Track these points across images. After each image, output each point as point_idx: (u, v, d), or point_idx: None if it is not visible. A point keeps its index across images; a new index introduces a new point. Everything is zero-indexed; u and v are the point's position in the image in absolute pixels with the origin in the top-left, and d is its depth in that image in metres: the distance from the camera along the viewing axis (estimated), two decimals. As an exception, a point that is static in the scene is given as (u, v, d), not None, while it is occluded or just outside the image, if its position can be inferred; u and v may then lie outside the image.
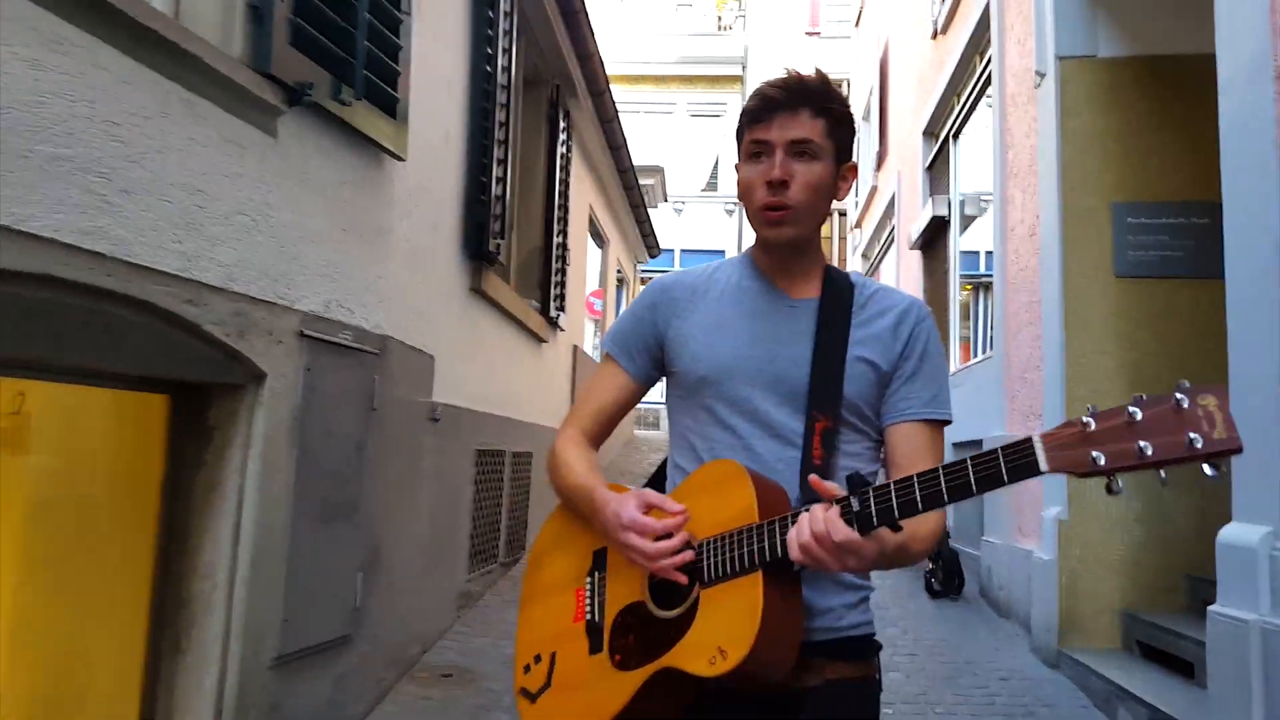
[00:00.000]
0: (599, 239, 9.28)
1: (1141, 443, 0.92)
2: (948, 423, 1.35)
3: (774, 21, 18.23)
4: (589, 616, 1.32)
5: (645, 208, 9.80)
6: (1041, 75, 4.43)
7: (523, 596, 1.46)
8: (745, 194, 1.35)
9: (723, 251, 18.03)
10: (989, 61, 5.72)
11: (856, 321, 1.35)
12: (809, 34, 17.99)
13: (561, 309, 6.51)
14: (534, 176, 6.03)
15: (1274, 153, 2.56)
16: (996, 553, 5.30)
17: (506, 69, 4.59)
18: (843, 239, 16.75)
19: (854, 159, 1.39)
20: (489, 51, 4.36)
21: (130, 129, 2.10)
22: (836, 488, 1.13)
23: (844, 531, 1.07)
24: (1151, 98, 4.23)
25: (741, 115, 1.36)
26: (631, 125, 8.56)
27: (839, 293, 1.37)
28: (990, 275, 6.11)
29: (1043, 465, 0.97)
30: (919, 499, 1.05)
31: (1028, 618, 4.63)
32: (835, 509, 1.10)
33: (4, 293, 1.83)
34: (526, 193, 5.93)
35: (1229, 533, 2.78)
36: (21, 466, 2.30)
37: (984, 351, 6.63)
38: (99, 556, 2.48)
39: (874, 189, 12.21)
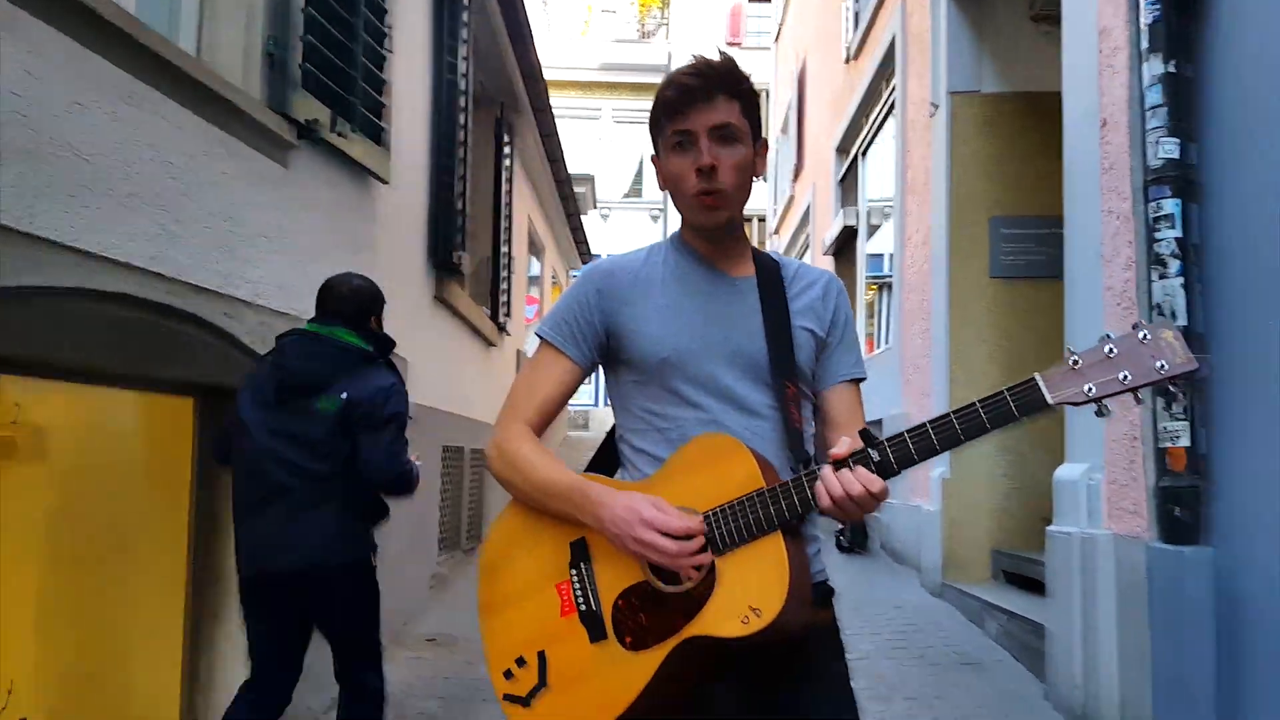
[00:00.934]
0: (535, 247, 9.70)
1: (1122, 372, 1.08)
2: (864, 379, 1.47)
3: (696, 31, 18.86)
4: (582, 607, 1.30)
5: (579, 216, 10.26)
6: (936, 106, 5.09)
7: (482, 605, 1.39)
8: (674, 183, 1.36)
9: (650, 255, 18.55)
10: (894, 89, 6.37)
11: (791, 294, 1.42)
12: (730, 44, 18.68)
13: (508, 315, 6.93)
14: (483, 190, 6.42)
15: (1097, 181, 3.23)
16: (895, 512, 6.06)
17: (465, 92, 4.99)
18: (762, 244, 17.49)
19: (764, 134, 1.41)
20: (450, 77, 4.76)
21: (182, 168, 2.47)
22: (852, 441, 1.20)
23: (880, 483, 1.16)
24: (1025, 128, 4.92)
25: (657, 107, 1.36)
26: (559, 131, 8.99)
27: (770, 269, 1.44)
28: (892, 276, 6.81)
29: (1049, 399, 1.10)
30: (935, 442, 1.14)
31: (919, 561, 5.42)
32: (848, 463, 1.18)
33: (95, 310, 2.19)
34: (478, 206, 6.32)
35: (1061, 471, 3.50)
36: (57, 468, 2.61)
37: (884, 344, 7.34)
38: (139, 543, 2.81)
39: (791, 198, 12.89)
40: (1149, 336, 1.07)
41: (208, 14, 2.78)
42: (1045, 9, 4.82)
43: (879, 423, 5.99)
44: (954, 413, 1.12)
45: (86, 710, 2.53)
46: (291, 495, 2.40)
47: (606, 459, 1.49)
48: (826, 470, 1.18)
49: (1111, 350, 1.08)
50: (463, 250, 4.92)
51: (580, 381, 1.43)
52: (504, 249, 6.70)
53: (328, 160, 3.27)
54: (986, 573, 4.96)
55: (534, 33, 6.19)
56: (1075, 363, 1.09)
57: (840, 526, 6.37)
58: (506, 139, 6.75)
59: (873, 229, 7.92)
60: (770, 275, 1.42)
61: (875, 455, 1.16)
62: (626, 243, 18.06)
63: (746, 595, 1.18)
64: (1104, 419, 1.12)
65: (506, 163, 6.78)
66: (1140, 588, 2.99)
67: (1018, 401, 1.09)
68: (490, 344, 6.49)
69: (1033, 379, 1.10)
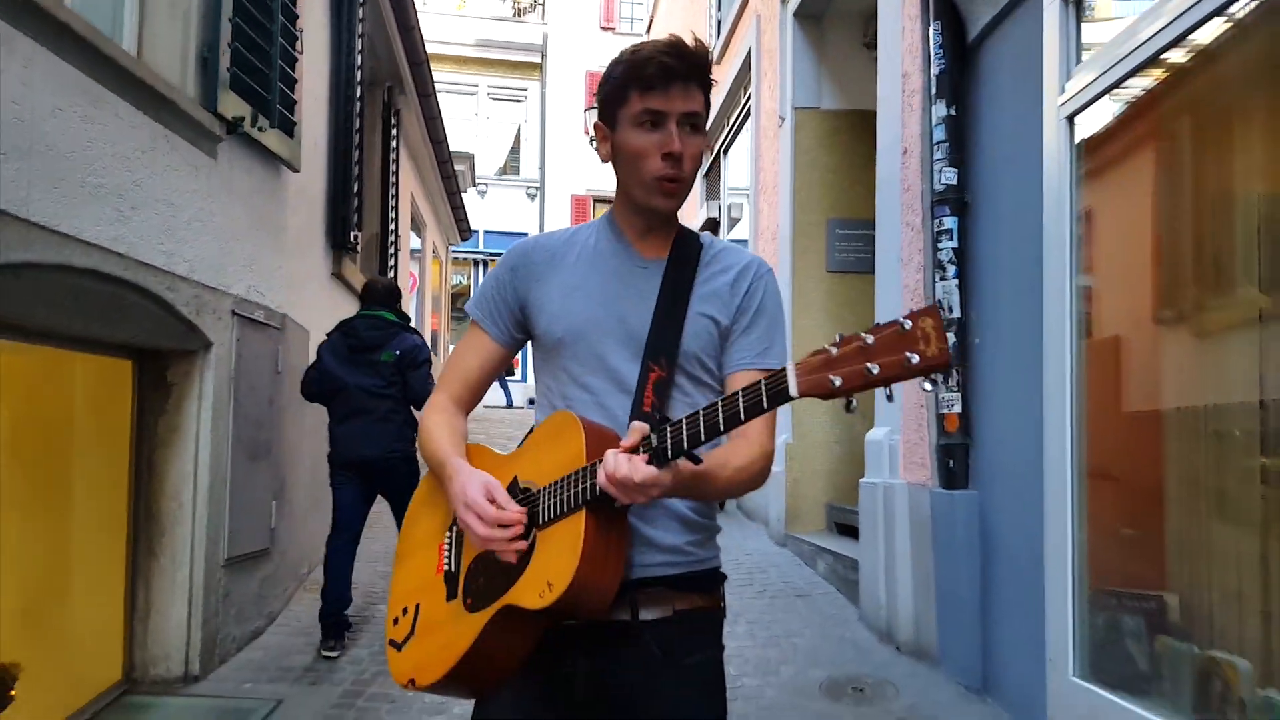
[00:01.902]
0: (418, 224, 9.98)
1: (869, 364, 0.99)
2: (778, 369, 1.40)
3: (571, 13, 19.21)
4: (448, 567, 1.38)
5: (459, 194, 10.59)
6: (783, 119, 5.82)
7: (397, 552, 1.51)
8: (633, 161, 1.33)
9: (525, 233, 18.92)
10: (750, 97, 7.10)
11: (701, 279, 1.39)
12: (604, 28, 19.15)
13: (394, 288, 7.29)
14: (373, 170, 6.74)
15: (899, 199, 4.02)
16: (746, 475, 6.87)
17: (360, 82, 5.35)
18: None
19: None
20: (347, 71, 5.12)
21: (134, 161, 2.85)
22: (642, 427, 1.18)
23: (642, 470, 1.12)
24: (857, 141, 5.67)
25: (624, 78, 1.32)
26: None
27: (688, 252, 1.41)
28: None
29: (793, 391, 1.04)
30: (702, 430, 1.11)
31: (766, 516, 6.24)
32: (639, 448, 1.16)
33: (69, 282, 2.57)
34: (368, 186, 6.64)
35: (870, 434, 4.33)
36: (9, 421, 2.93)
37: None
38: (82, 486, 3.16)
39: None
40: (909, 325, 0.99)
41: (147, 20, 3.12)
42: (874, 38, 5.64)
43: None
44: (721, 400, 1.12)
45: (39, 640, 2.87)
46: (370, 413, 3.87)
47: None
48: (609, 453, 1.16)
49: (868, 340, 1.01)
50: (358, 230, 5.30)
51: (504, 358, 1.46)
52: (391, 226, 7.05)
53: (248, 151, 3.65)
54: (821, 523, 5.77)
55: (418, 16, 6.55)
56: (830, 351, 1.03)
57: None
58: (394, 122, 7.08)
59: (733, 221, 8.70)
60: (685, 258, 1.41)
61: (654, 440, 1.15)
62: (502, 220, 18.41)
63: (546, 570, 1.22)
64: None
65: (394, 144, 7.11)
66: (926, 525, 3.80)
67: (770, 392, 1.07)
68: (378, 317, 6.85)
69: (784, 369, 1.06)
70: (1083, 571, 2.83)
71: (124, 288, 2.79)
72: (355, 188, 5.27)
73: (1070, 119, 2.87)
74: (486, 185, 18.44)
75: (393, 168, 7.04)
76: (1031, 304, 3.01)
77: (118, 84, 2.71)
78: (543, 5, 20.43)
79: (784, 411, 5.59)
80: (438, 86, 7.56)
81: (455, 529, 1.38)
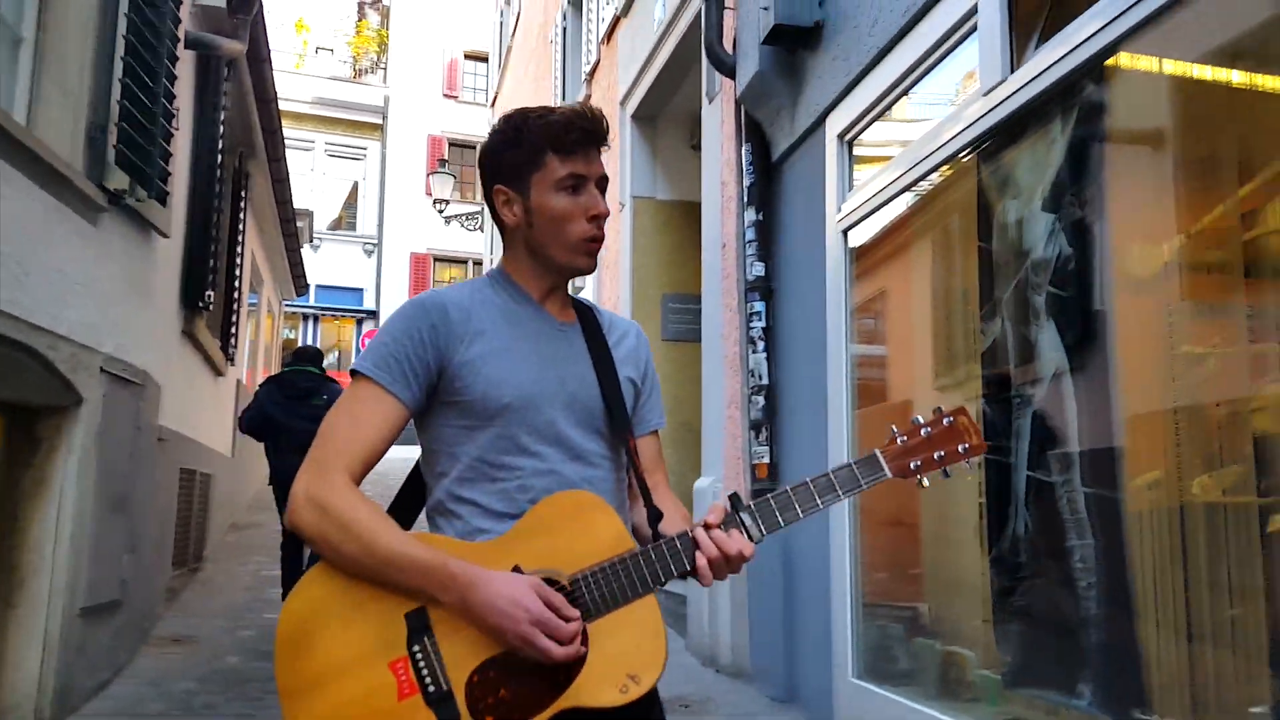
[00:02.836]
0: (256, 281, 9.95)
1: (937, 452, 1.26)
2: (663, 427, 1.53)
3: (413, 78, 19.59)
4: (430, 688, 1.18)
5: (299, 250, 10.64)
6: (623, 205, 6.53)
7: (285, 688, 1.21)
8: (557, 224, 1.31)
9: (361, 290, 18.79)
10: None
11: (612, 342, 1.42)
12: (447, 95, 19.65)
13: (235, 346, 7.34)
14: (223, 232, 6.85)
15: (720, 284, 4.74)
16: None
17: (221, 151, 5.57)
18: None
19: None
20: (209, 141, 5.34)
21: (28, 228, 3.06)
22: (723, 506, 1.26)
23: (751, 547, 1.22)
24: (686, 227, 6.46)
25: (545, 143, 1.30)
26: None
27: (589, 316, 1.43)
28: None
29: (887, 473, 1.26)
30: (799, 508, 1.23)
31: None
32: (735, 530, 1.23)
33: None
34: (219, 247, 6.74)
35: (697, 482, 4.92)
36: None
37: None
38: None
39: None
40: (952, 420, 1.28)
41: (41, 101, 3.34)
42: (700, 142, 6.47)
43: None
44: (812, 480, 1.23)
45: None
46: (307, 448, 4.81)
47: (409, 503, 1.39)
48: (702, 533, 1.22)
49: (927, 431, 1.27)
50: (212, 290, 5.47)
51: (405, 423, 1.30)
52: (235, 284, 7.14)
53: (125, 219, 3.86)
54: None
55: (276, 89, 6.80)
56: (903, 441, 1.27)
57: None
58: (244, 185, 7.24)
59: (578, 290, 9.34)
60: (591, 322, 1.42)
61: (746, 520, 1.23)
62: (337, 274, 18.26)
63: (624, 662, 1.16)
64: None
65: (242, 206, 7.25)
66: (740, 561, 4.45)
67: (863, 473, 1.25)
68: (219, 373, 6.90)
69: (875, 454, 1.26)
70: (859, 591, 3.51)
71: (15, 348, 2.97)
72: (213, 250, 5.45)
73: (845, 232, 3.65)
74: (321, 240, 18.27)
75: (240, 229, 7.17)
76: (819, 372, 3.74)
77: (19, 160, 2.94)
78: (384, 69, 20.70)
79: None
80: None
81: (428, 642, 1.19)
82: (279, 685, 1.22)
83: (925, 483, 1.26)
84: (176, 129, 4.24)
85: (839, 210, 3.68)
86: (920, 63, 3.16)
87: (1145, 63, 2.34)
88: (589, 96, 7.80)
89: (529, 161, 1.32)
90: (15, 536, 3.36)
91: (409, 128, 19.33)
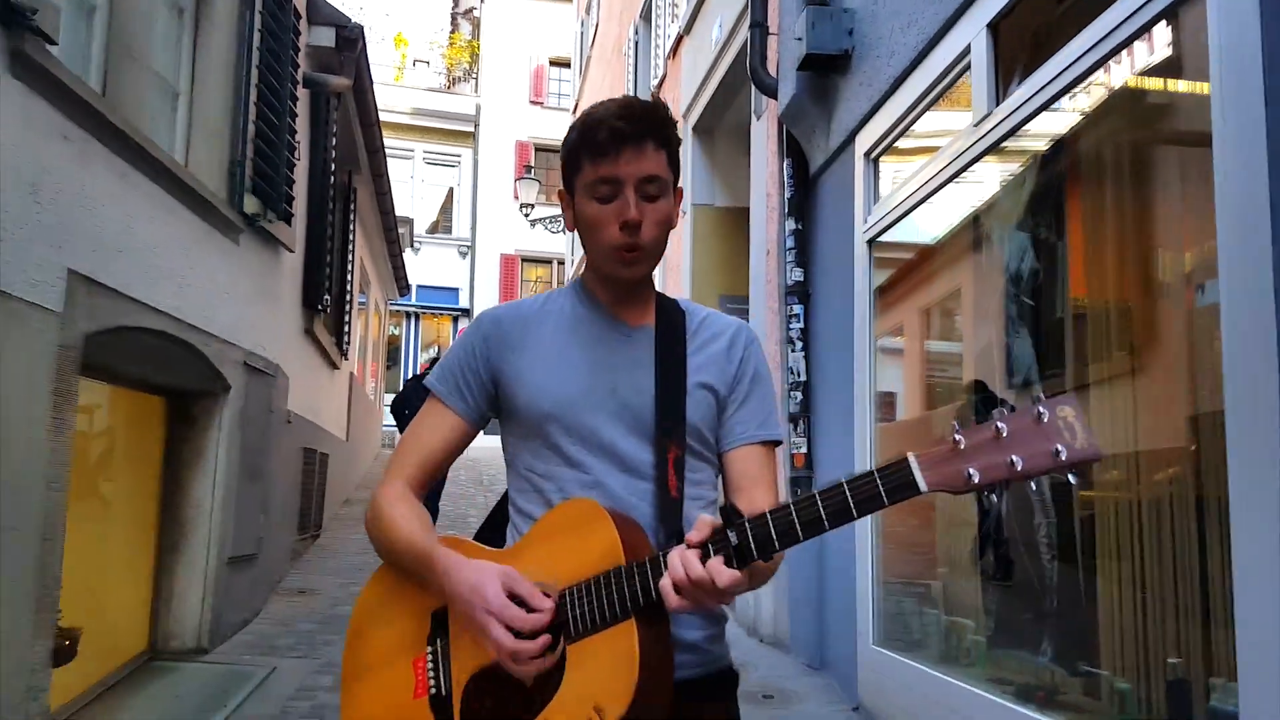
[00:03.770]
0: (364, 282, 10.92)
1: (1013, 456, 0.92)
2: (779, 442, 1.35)
3: (502, 86, 20.53)
4: (434, 690, 1.20)
5: (401, 255, 11.57)
6: (684, 212, 7.05)
7: (345, 674, 1.31)
8: (592, 230, 1.26)
9: (457, 290, 19.87)
10: (669, 185, 8.37)
11: (692, 347, 1.32)
12: (533, 102, 20.50)
13: (349, 342, 8.23)
14: (335, 242, 7.72)
15: (764, 288, 5.21)
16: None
17: (333, 172, 6.37)
18: (561, 283, 19.29)
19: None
20: (322, 164, 6.14)
21: (191, 249, 3.83)
22: (712, 521, 1.06)
23: (727, 575, 1.00)
24: (741, 232, 6.78)
25: (579, 145, 1.25)
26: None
27: (672, 319, 1.35)
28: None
29: (922, 485, 0.95)
30: (799, 525, 1.00)
31: None
32: (711, 556, 1.02)
33: (145, 340, 3.51)
34: (332, 255, 7.61)
35: None
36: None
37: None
38: (122, 498, 4.03)
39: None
40: (1047, 415, 0.92)
41: (193, 141, 4.12)
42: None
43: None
44: (820, 493, 1.00)
45: (91, 614, 3.69)
46: None
47: (496, 524, 1.40)
48: (675, 552, 1.05)
49: (1002, 430, 0.93)
50: (329, 294, 6.28)
51: (469, 436, 1.35)
52: (348, 288, 8.02)
53: (258, 237, 4.64)
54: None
55: (378, 113, 7.61)
56: (958, 442, 0.95)
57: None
58: (351, 199, 8.10)
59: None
60: (671, 325, 1.34)
61: (734, 538, 1.03)
62: (435, 274, 19.34)
63: (591, 692, 1.07)
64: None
65: (351, 217, 8.11)
66: (782, 537, 4.94)
67: (888, 485, 0.97)
68: (335, 366, 7.78)
69: (905, 459, 0.97)
70: (880, 569, 3.97)
71: (176, 344, 3.74)
72: (328, 260, 6.25)
73: (869, 242, 4.11)
74: (420, 244, 19.39)
75: (350, 238, 8.03)
76: (848, 370, 4.21)
77: (180, 195, 3.70)
78: (476, 78, 21.72)
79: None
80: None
81: (440, 643, 1.22)
82: (342, 669, 1.32)
83: (990, 501, 1.10)
84: (298, 159, 5.01)
85: (865, 222, 4.14)
86: (930, 90, 3.60)
87: (1105, 97, 2.74)
88: (659, 109, 8.37)
89: (572, 166, 1.28)
90: (179, 495, 4.16)
91: (498, 134, 20.27)
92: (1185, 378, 2.41)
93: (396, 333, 19.29)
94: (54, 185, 2.76)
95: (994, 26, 3.05)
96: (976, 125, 3.16)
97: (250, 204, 4.35)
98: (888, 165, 4.14)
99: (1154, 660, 2.35)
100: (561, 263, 19.08)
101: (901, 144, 4.00)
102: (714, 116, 6.80)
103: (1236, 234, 1.91)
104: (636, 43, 9.40)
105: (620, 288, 1.33)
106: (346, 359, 8.36)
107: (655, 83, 8.41)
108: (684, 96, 7.18)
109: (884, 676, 3.73)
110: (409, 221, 13.70)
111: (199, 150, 4.13)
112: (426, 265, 19.43)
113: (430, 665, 1.22)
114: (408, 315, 19.36)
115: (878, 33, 3.96)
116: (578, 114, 1.30)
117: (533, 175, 14.24)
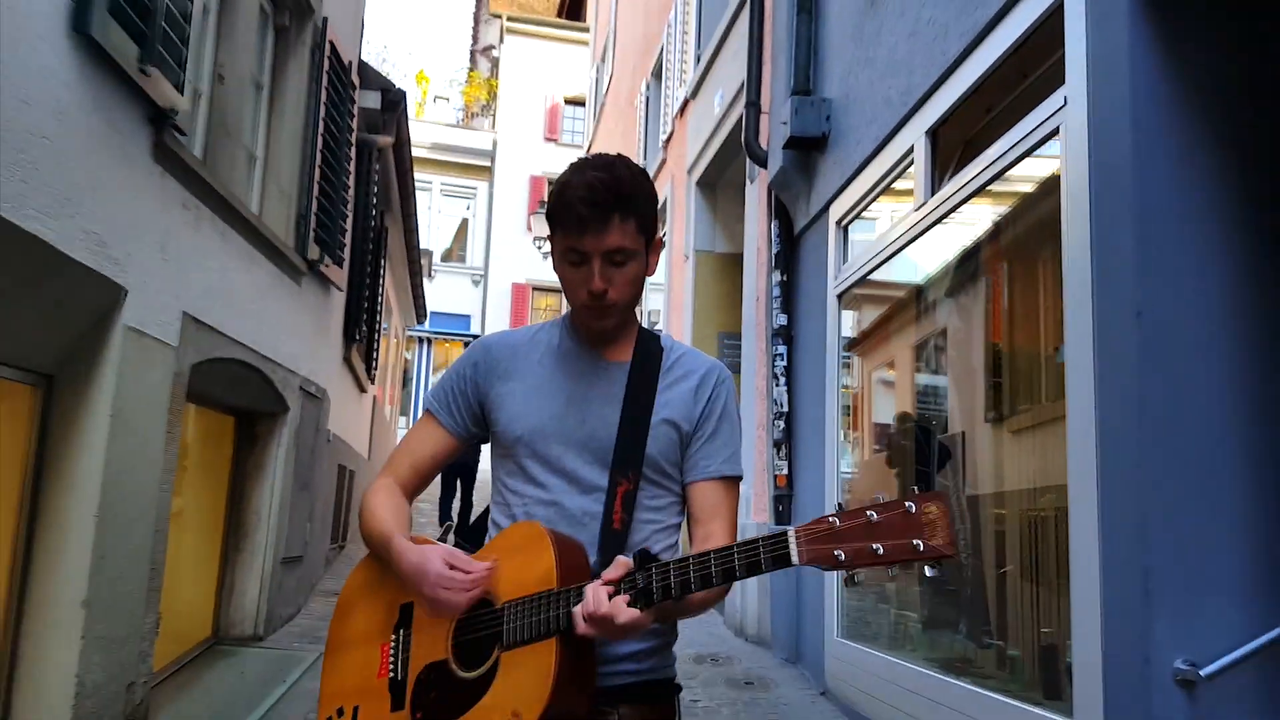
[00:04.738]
0: (387, 311, 11.68)
1: (875, 544, 1.05)
2: (740, 478, 1.44)
3: (518, 122, 21.41)
4: (393, 674, 1.35)
5: (422, 285, 12.34)
6: (687, 256, 7.79)
7: (329, 643, 1.47)
8: (565, 287, 1.38)
9: (469, 316, 20.64)
10: (665, 232, 9.08)
11: (663, 384, 1.41)
12: (548, 139, 21.38)
13: (376, 368, 8.96)
14: (371, 278, 8.47)
15: (754, 330, 5.90)
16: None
17: (375, 218, 7.11)
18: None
19: (659, 232, 1.42)
20: (364, 206, 6.88)
21: (266, 292, 4.54)
22: (627, 563, 1.19)
23: (626, 614, 1.13)
24: (738, 276, 7.48)
25: (552, 215, 1.35)
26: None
27: (650, 355, 1.43)
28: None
29: (795, 559, 1.09)
30: (693, 579, 1.14)
31: None
32: (620, 593, 1.16)
33: (229, 370, 4.22)
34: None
35: None
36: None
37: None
38: (196, 505, 4.71)
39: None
40: (914, 510, 1.04)
41: (266, 199, 4.86)
42: (757, 204, 7.68)
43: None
44: (714, 553, 1.14)
45: (166, 603, 4.36)
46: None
47: (478, 530, 1.53)
48: (589, 589, 1.17)
49: (872, 517, 1.06)
50: (367, 327, 6.99)
51: (455, 450, 1.49)
52: (378, 318, 8.75)
53: (315, 279, 5.37)
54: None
55: (412, 160, 8.37)
56: (834, 524, 1.08)
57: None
58: (384, 237, 8.85)
59: (652, 324, 10.64)
60: (647, 362, 1.42)
61: (640, 581, 1.16)
62: (449, 301, 20.12)
63: (513, 696, 1.20)
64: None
65: (383, 252, 8.86)
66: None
67: (769, 555, 1.10)
68: (363, 390, 8.50)
69: (785, 534, 1.09)
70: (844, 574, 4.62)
71: (252, 371, 4.44)
72: (367, 295, 6.98)
73: (838, 297, 4.81)
74: (436, 272, 20.19)
75: (381, 272, 8.78)
76: (820, 403, 4.89)
77: (260, 245, 4.43)
78: (493, 115, 22.63)
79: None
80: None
81: (403, 633, 1.37)
82: (326, 642, 1.49)
83: (859, 578, 1.16)
84: (349, 210, 5.75)
85: (835, 279, 4.85)
86: (885, 177, 4.31)
87: (1021, 186, 3.46)
88: (664, 161, 9.12)
89: (549, 222, 1.37)
90: (243, 503, 4.85)
91: (513, 169, 21.14)
92: (1060, 423, 3.10)
93: (409, 356, 20.03)
94: (176, 244, 3.48)
95: (933, 132, 3.76)
96: (917, 210, 3.87)
97: (313, 251, 5.07)
98: (855, 232, 4.86)
99: (1033, 632, 3.02)
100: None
101: (866, 214, 4.72)
102: (716, 173, 7.54)
103: (1075, 302, 2.60)
104: (648, 98, 10.19)
105: (600, 329, 1.43)
106: (373, 383, 9.09)
107: (664, 138, 9.18)
108: (690, 153, 7.93)
109: (846, 664, 4.38)
110: (429, 253, 14.47)
111: (271, 205, 4.86)
112: (441, 292, 20.19)
113: (393, 651, 1.37)
114: (420, 340, 20.12)
115: (850, 122, 4.68)
116: (566, 170, 1.38)
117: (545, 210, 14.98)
